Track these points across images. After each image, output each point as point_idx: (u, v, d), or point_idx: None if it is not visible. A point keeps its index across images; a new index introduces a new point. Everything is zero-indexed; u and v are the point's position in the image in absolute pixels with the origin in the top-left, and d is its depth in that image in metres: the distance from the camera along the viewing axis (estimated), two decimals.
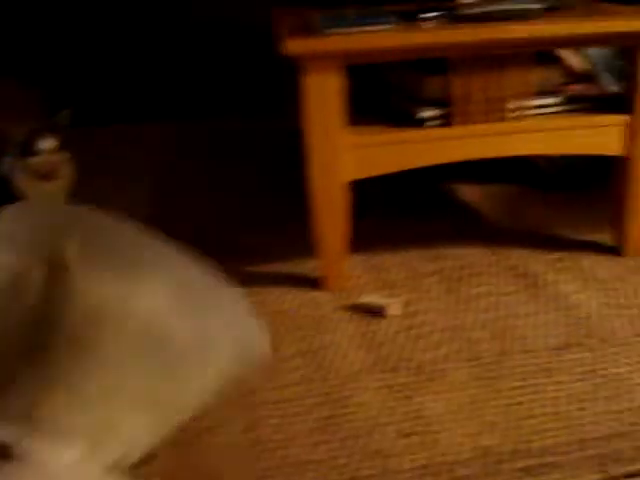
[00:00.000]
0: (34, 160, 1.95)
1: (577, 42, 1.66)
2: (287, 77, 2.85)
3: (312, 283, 1.78)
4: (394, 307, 1.62)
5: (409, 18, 1.66)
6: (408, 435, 1.25)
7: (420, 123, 1.64)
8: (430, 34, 1.54)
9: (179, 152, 3.02)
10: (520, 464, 1.14)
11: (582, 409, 1.27)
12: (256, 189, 2.50)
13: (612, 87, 2.09)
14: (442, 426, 1.26)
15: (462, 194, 2.33)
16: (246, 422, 1.30)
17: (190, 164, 2.87)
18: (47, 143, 1.95)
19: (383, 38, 1.52)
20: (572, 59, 2.18)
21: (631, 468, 1.13)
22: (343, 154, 1.60)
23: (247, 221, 2.21)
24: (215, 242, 2.05)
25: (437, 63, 1.64)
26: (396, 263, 1.86)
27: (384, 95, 1.88)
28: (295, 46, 1.50)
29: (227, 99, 3.39)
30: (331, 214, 1.64)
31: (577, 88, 1.92)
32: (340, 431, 1.26)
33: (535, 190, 2.31)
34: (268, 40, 3.04)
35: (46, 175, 1.97)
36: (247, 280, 1.82)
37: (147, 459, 1.06)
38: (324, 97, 1.55)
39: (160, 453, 1.13)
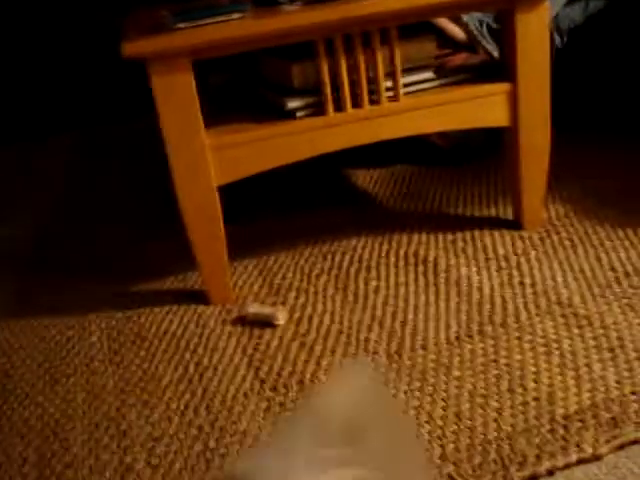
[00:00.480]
0: None
1: (448, 9, 1.54)
2: None
3: (197, 298, 1.65)
4: (282, 315, 1.49)
5: (267, 3, 1.53)
6: None
7: (292, 115, 1.51)
8: (276, 19, 1.41)
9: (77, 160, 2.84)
10: None
11: (484, 406, 1.17)
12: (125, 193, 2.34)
13: (495, 54, 2.00)
14: None
15: (355, 180, 2.21)
16: (120, 471, 1.17)
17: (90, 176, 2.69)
18: None
19: (231, 28, 1.39)
20: (453, 29, 2.08)
21: (536, 469, 1.02)
22: (207, 157, 1.46)
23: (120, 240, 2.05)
24: (94, 269, 1.90)
25: (304, 49, 1.51)
26: (286, 265, 1.74)
27: (255, 88, 1.75)
28: (134, 47, 1.36)
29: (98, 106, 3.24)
30: (203, 221, 1.52)
31: (458, 59, 1.82)
32: (225, 465, 1.13)
33: (432, 168, 2.20)
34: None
35: None
36: (129, 304, 1.67)
37: None
38: (176, 97, 1.42)
39: None
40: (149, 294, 1.72)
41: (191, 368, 1.41)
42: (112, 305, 1.69)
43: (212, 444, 1.21)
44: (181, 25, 1.42)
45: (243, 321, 1.53)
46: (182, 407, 1.31)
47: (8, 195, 2.68)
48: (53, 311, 1.73)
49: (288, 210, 2.07)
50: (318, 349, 1.40)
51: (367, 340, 1.41)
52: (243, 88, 1.88)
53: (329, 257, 1.75)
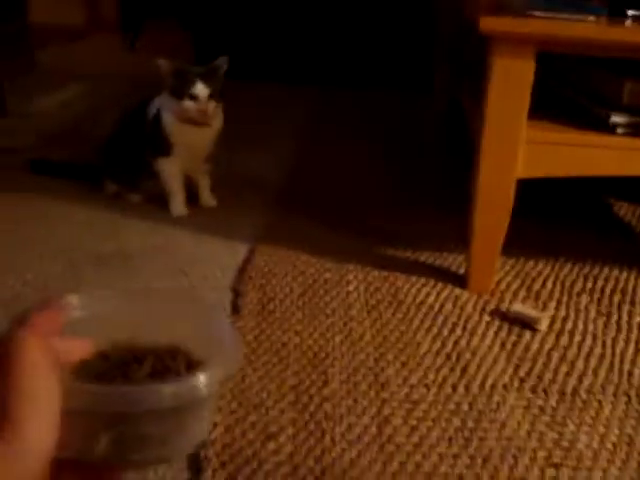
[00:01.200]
0: (188, 104, 1.88)
1: None
2: (439, 56, 2.72)
3: (455, 279, 1.66)
4: (545, 321, 1.47)
5: (617, 13, 1.50)
6: (558, 466, 1.10)
7: (611, 129, 1.47)
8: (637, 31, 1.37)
9: (322, 118, 2.91)
10: None
11: None
12: (398, 170, 2.37)
13: None
14: (596, 463, 1.11)
15: (618, 211, 2.14)
16: (377, 420, 1.20)
17: (332, 133, 2.75)
18: (203, 89, 1.87)
19: (588, 29, 1.37)
20: None
21: None
22: (519, 148, 1.45)
23: (389, 204, 2.08)
24: (354, 222, 1.94)
25: (632, 66, 1.47)
26: (545, 273, 1.71)
27: (560, 91, 1.72)
28: (490, 24, 1.36)
29: (377, 70, 3.27)
30: (495, 211, 1.51)
31: None
32: (482, 448, 1.13)
33: None
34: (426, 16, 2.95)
35: (198, 121, 1.88)
36: (386, 264, 1.70)
37: None
38: (512, 83, 1.42)
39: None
40: (406, 261, 1.74)
41: (449, 345, 1.42)
42: (368, 261, 1.72)
43: (470, 424, 1.21)
44: (536, 13, 1.40)
45: (502, 316, 1.52)
46: (440, 379, 1.32)
47: (260, 129, 2.78)
48: (309, 249, 1.78)
49: (550, 220, 2.03)
50: (580, 366, 1.37)
51: (630, 374, 1.36)
52: (542, 87, 1.84)
53: (590, 279, 1.71)
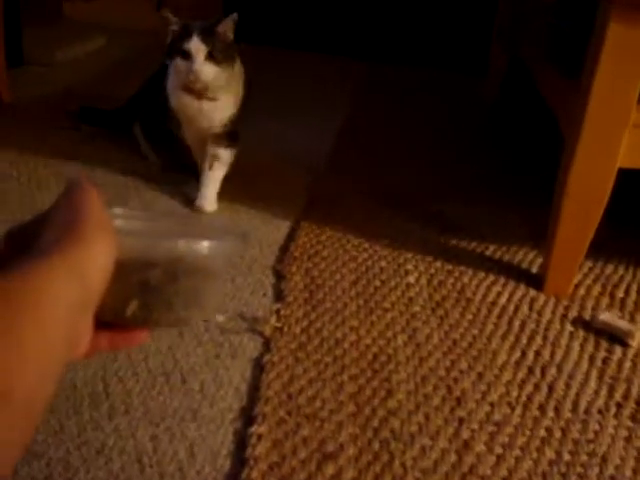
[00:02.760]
0: (179, 63, 1.55)
1: None
2: (497, 38, 2.50)
3: (528, 278, 1.44)
4: (638, 335, 1.25)
5: None
6: None
7: None
8: None
9: (368, 93, 2.67)
10: None
11: None
12: (449, 154, 2.13)
13: None
14: None
15: None
16: (455, 444, 1.00)
17: (378, 109, 2.52)
18: (199, 45, 1.51)
19: None
20: None
21: None
22: (624, 133, 1.23)
23: (445, 188, 1.85)
24: (409, 205, 1.71)
25: None
26: (627, 279, 1.50)
27: None
28: None
29: (427, 48, 3.04)
30: (588, 205, 1.29)
31: None
32: None
33: None
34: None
35: (193, 88, 1.58)
36: (449, 256, 1.51)
37: None
38: (627, 56, 1.19)
39: None
40: (471, 254, 1.52)
41: (530, 356, 1.21)
42: (428, 250, 1.51)
43: (566, 457, 1.00)
44: None
45: (586, 325, 1.30)
46: (524, 398, 1.11)
47: (303, 102, 2.55)
48: (360, 232, 1.56)
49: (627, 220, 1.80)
50: None
51: None
52: None
53: None
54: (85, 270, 0.45)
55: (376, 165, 1.98)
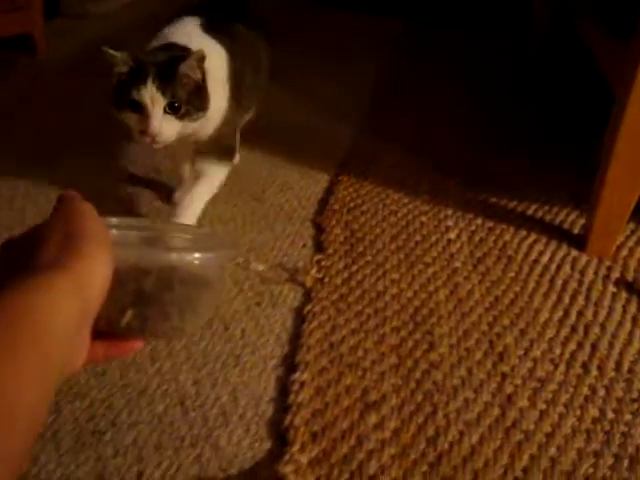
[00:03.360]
0: (127, 115, 1.19)
1: None
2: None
3: (570, 238, 1.42)
4: None
5: None
6: None
7: None
8: None
9: (406, 53, 2.63)
10: None
11: None
12: (487, 114, 2.09)
13: None
14: None
15: None
16: (499, 398, 1.01)
17: (415, 69, 2.48)
18: (152, 92, 1.15)
19: None
20: None
21: None
22: None
23: (484, 147, 1.81)
24: (448, 162, 1.68)
25: None
26: None
27: None
28: None
29: (464, 9, 2.98)
30: (636, 167, 1.25)
31: None
32: (627, 446, 0.95)
33: None
34: None
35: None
36: (489, 213, 1.50)
37: None
38: None
39: None
40: (512, 212, 1.50)
41: (572, 315, 1.19)
42: (469, 207, 1.49)
43: (610, 415, 0.99)
44: None
45: (629, 287, 1.29)
46: (567, 356, 1.10)
47: (340, 59, 2.52)
48: (399, 187, 1.56)
49: None
50: None
51: None
52: None
53: None
54: (85, 286, 0.45)
55: (413, 122, 1.95)
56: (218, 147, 1.31)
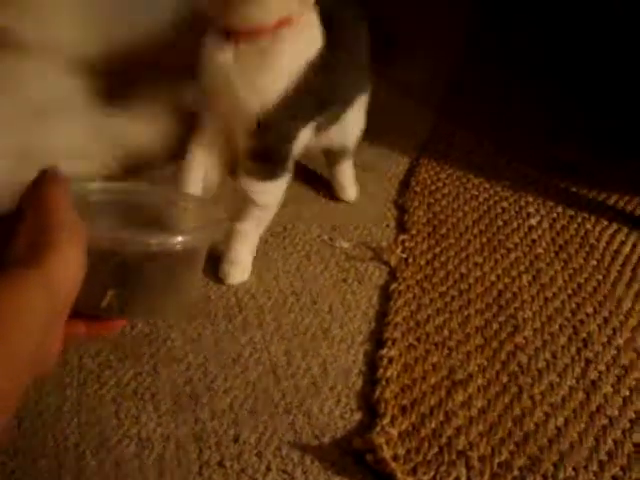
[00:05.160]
0: None
1: None
2: None
3: None
4: None
5: None
6: None
7: None
8: None
9: (486, 28, 2.62)
10: None
11: None
12: (572, 100, 2.07)
13: None
14: None
15: None
16: (583, 383, 1.04)
17: (493, 47, 2.46)
18: None
19: None
20: None
21: None
22: None
23: (564, 132, 1.80)
24: (528, 148, 1.68)
25: None
26: None
27: None
28: None
29: None
30: None
31: None
32: None
33: None
34: None
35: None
36: (571, 202, 1.52)
37: None
38: None
39: None
40: (593, 201, 1.52)
41: None
42: (550, 194, 1.51)
43: None
44: None
45: None
46: None
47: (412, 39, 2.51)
48: (479, 172, 1.59)
49: None
50: None
51: None
52: None
53: None
54: (55, 282, 0.44)
55: (494, 106, 1.95)
56: (266, 153, 1.06)
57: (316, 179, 1.47)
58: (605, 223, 1.43)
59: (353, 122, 1.25)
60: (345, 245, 1.27)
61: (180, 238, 0.55)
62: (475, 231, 1.35)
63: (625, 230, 1.41)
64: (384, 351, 1.03)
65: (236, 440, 0.90)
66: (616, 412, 0.97)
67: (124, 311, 0.55)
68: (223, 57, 0.99)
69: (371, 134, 1.62)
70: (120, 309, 0.55)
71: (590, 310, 1.17)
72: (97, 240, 0.51)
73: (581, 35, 2.45)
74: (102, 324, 0.56)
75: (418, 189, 1.47)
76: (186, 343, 1.04)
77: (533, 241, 1.34)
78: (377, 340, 1.07)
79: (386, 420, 0.91)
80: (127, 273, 0.54)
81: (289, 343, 1.05)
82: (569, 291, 1.21)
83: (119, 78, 1.29)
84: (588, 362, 1.05)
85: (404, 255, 1.25)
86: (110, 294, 0.53)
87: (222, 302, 1.12)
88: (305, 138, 1.09)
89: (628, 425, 0.95)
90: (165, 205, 0.68)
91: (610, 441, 0.93)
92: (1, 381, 0.39)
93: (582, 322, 1.13)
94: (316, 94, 1.05)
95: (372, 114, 1.70)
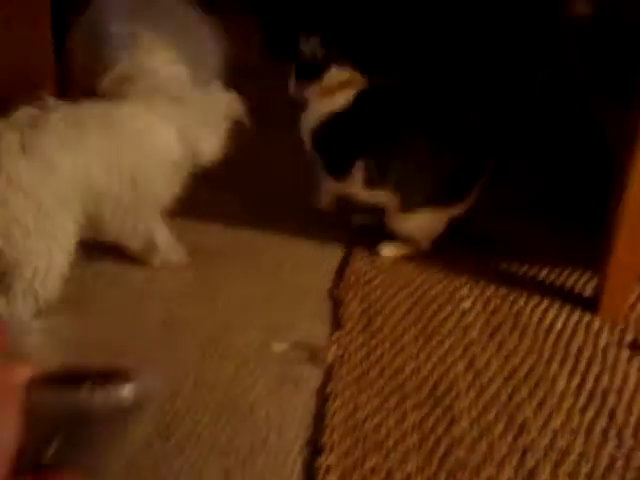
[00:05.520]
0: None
1: None
2: None
3: (582, 302, 1.45)
4: None
5: None
6: None
7: None
8: None
9: None
10: None
11: None
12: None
13: None
14: None
15: None
16: (521, 473, 1.05)
17: None
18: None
19: None
20: None
21: None
22: None
23: (498, 209, 1.83)
24: (456, 227, 1.70)
25: None
26: None
27: None
28: None
29: None
30: None
31: None
32: None
33: None
34: None
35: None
36: (502, 279, 1.54)
37: None
38: None
39: None
40: (524, 277, 1.54)
41: (589, 382, 1.22)
42: (481, 273, 1.52)
43: None
44: None
45: None
46: (586, 424, 1.12)
47: None
48: (411, 256, 1.57)
49: None
50: None
51: None
52: None
53: None
54: None
55: None
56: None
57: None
58: (537, 299, 1.45)
59: None
60: (281, 349, 1.27)
61: (128, 387, 0.56)
62: (409, 320, 1.37)
63: (557, 304, 1.44)
64: (322, 459, 1.02)
65: None
66: None
67: (69, 463, 0.56)
68: None
69: (300, 223, 1.63)
70: (67, 460, 0.56)
71: (525, 393, 1.18)
72: (37, 397, 0.53)
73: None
74: (49, 477, 0.57)
75: (352, 279, 1.48)
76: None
77: (467, 325, 1.36)
78: (315, 446, 1.06)
79: None
80: (66, 431, 0.55)
81: (226, 460, 1.04)
82: (505, 374, 1.22)
83: None
84: (525, 450, 1.06)
85: (340, 352, 1.25)
86: (53, 446, 0.54)
87: (157, 418, 1.11)
88: None
89: None
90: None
91: None
92: None
93: (518, 407, 1.15)
94: None
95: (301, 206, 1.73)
